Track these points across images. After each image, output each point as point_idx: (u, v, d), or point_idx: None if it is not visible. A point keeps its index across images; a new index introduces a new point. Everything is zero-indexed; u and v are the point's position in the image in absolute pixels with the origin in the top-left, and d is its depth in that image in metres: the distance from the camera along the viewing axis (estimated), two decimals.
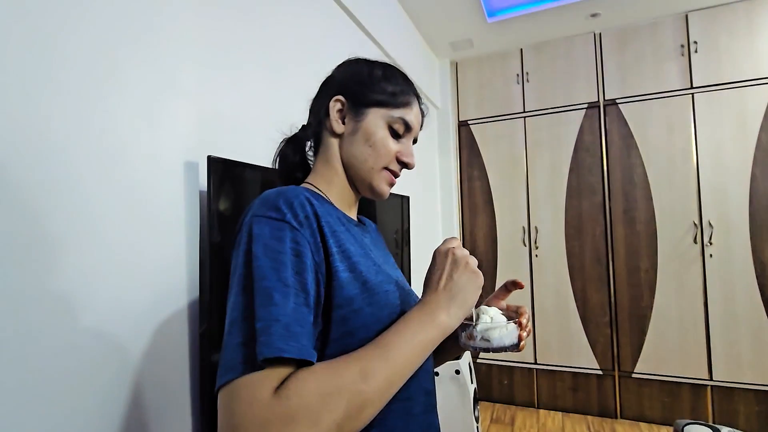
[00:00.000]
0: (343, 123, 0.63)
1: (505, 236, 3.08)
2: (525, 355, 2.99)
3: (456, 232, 3.16)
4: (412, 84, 0.67)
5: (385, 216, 2.01)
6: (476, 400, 2.40)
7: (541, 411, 2.93)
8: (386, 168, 0.63)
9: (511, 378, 3.06)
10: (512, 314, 0.62)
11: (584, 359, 2.86)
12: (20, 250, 0.60)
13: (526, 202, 3.02)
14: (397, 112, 0.62)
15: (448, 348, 0.68)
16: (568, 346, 2.90)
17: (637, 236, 2.77)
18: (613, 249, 2.83)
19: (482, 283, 0.53)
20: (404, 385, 0.47)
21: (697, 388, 2.65)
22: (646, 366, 2.73)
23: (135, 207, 0.79)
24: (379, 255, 0.66)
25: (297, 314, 0.43)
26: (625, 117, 2.79)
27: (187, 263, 0.88)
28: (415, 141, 0.67)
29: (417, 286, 1.82)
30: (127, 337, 0.76)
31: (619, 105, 2.81)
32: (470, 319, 0.57)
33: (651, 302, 2.73)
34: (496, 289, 0.66)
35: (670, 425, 2.66)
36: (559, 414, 2.88)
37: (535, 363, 2.97)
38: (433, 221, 3.06)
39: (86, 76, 0.72)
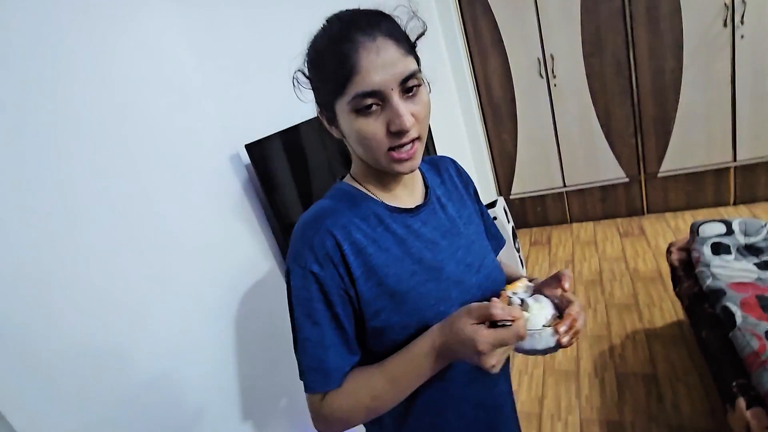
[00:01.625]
0: (337, 128, 0.60)
1: (520, 73, 2.97)
2: (554, 181, 3.20)
3: (468, 80, 3.06)
4: (350, 31, 0.51)
5: None
6: (515, 236, 2.74)
7: (574, 225, 3.29)
8: (389, 149, 0.55)
9: (543, 204, 3.36)
10: (564, 304, 0.57)
11: (611, 171, 3.03)
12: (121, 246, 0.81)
13: (537, 30, 2.80)
14: (349, 93, 0.51)
15: None
16: (595, 164, 3.05)
17: (661, 35, 2.60)
18: (635, 56, 2.70)
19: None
20: (444, 368, 0.58)
21: (720, 173, 2.82)
22: (671, 163, 2.88)
23: (203, 208, 0.94)
24: (437, 230, 0.65)
25: (328, 350, 0.58)
26: None
27: (266, 236, 1.07)
28: (408, 79, 0.52)
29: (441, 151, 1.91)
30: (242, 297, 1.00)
31: None
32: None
33: (676, 102, 2.72)
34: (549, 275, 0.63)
35: (695, 209, 2.94)
36: (591, 223, 3.23)
37: (564, 186, 3.19)
38: (444, 74, 2.95)
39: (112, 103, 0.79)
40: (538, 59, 2.88)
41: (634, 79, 2.76)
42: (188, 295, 0.87)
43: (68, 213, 0.68)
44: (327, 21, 0.56)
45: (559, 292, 0.59)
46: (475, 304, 0.52)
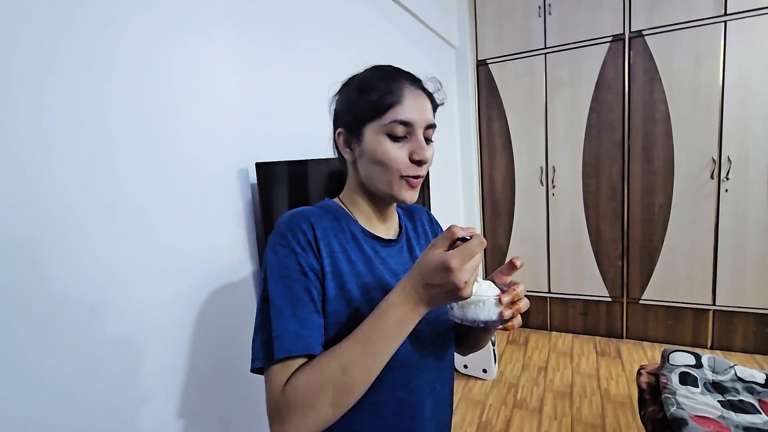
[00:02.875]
0: (352, 150, 0.67)
1: (522, 176, 3.18)
2: (540, 284, 3.25)
3: (474, 173, 3.27)
4: (399, 76, 0.65)
5: None
6: None
7: (553, 333, 3.26)
8: (403, 176, 0.63)
9: None
10: (505, 289, 0.59)
11: (595, 288, 3.09)
12: (130, 236, 0.83)
13: (544, 142, 3.06)
14: (387, 117, 0.62)
15: (479, 337, 0.76)
16: (580, 277, 3.12)
17: (654, 173, 2.82)
18: (629, 186, 2.91)
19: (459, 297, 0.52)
20: (372, 391, 0.56)
21: (699, 313, 2.87)
22: (653, 293, 2.94)
23: (204, 206, 0.99)
24: (400, 265, 0.70)
25: (305, 320, 0.57)
26: (651, 50, 2.69)
27: (250, 246, 1.10)
28: (429, 128, 0.65)
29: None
30: (206, 299, 1.01)
31: (645, 37, 2.69)
32: None
33: (663, 236, 2.86)
34: (505, 263, 0.63)
35: (672, 344, 2.94)
36: (569, 335, 3.20)
37: (549, 292, 3.23)
38: (453, 163, 3.17)
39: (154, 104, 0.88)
40: (541, 168, 3.10)
41: (625, 206, 2.94)
42: (167, 277, 0.89)
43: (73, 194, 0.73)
44: (376, 66, 0.68)
45: (508, 279, 0.63)
46: (437, 237, 0.53)
